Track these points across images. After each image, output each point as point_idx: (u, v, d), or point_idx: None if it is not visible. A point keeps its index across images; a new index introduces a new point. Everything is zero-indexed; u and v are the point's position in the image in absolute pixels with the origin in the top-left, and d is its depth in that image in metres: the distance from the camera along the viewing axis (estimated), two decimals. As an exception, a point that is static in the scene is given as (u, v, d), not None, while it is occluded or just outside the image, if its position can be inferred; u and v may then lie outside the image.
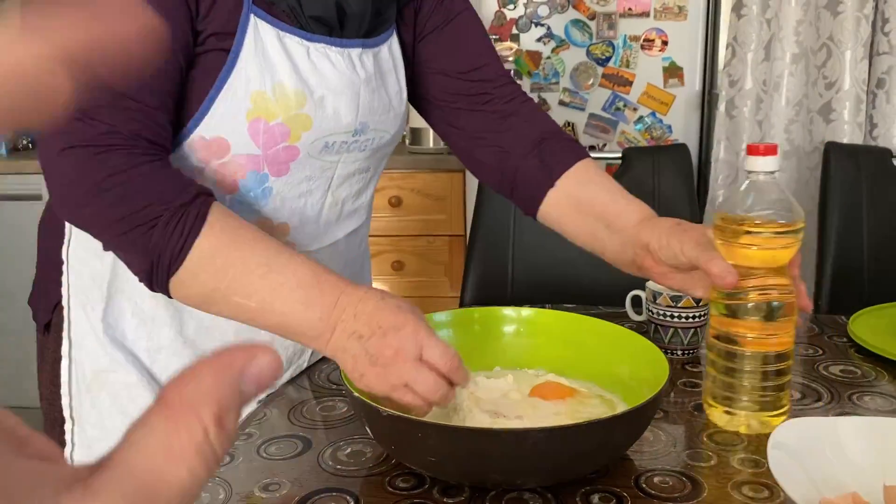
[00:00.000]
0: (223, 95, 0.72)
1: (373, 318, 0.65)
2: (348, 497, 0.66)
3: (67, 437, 0.84)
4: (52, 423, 0.86)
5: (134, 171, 0.66)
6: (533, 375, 0.83)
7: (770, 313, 0.71)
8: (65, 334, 0.83)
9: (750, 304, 0.72)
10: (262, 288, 0.67)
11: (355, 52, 0.79)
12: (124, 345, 0.82)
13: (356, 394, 0.66)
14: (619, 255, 0.83)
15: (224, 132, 0.74)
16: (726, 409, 0.75)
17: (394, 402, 0.65)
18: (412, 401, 0.64)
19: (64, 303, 0.83)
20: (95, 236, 0.69)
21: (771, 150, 0.70)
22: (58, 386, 0.84)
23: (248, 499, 0.66)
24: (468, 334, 0.85)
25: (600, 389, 0.79)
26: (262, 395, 0.89)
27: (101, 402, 0.83)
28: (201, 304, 0.71)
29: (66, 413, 0.84)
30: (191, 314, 0.83)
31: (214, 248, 0.67)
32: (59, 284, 0.83)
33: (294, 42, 0.75)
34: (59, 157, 0.67)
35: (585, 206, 0.86)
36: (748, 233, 0.70)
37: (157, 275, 0.68)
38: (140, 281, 0.69)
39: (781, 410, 0.75)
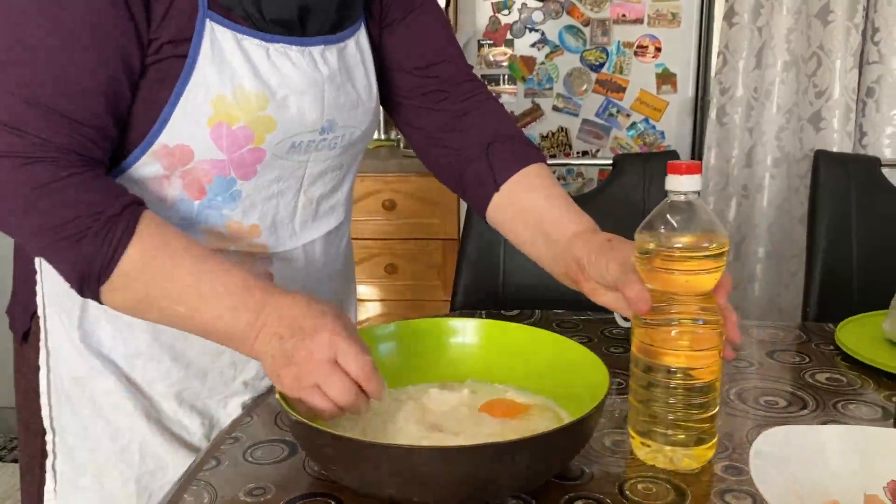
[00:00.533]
0: (183, 102, 0.72)
1: (295, 321, 0.66)
2: (332, 502, 0.66)
3: (49, 447, 0.84)
4: (34, 433, 0.85)
5: (61, 182, 0.66)
6: (500, 390, 0.81)
7: (693, 343, 0.67)
8: (42, 344, 0.82)
9: (672, 332, 0.67)
10: (190, 294, 0.68)
11: (317, 49, 0.78)
12: (101, 352, 0.82)
13: (276, 395, 0.68)
14: (553, 266, 0.82)
15: (186, 139, 0.73)
16: (644, 440, 0.70)
17: (312, 407, 0.66)
18: (321, 403, 0.65)
19: (39, 312, 0.82)
20: (24, 244, 0.70)
21: (694, 168, 0.66)
22: (38, 395, 0.83)
23: (232, 502, 0.66)
24: (426, 344, 0.84)
25: (556, 406, 0.77)
26: (248, 400, 0.89)
27: (82, 410, 0.83)
28: (132, 311, 0.71)
29: (46, 423, 0.83)
30: None
31: (143, 259, 0.67)
32: (35, 293, 0.82)
33: (253, 44, 0.74)
34: None
35: (524, 214, 0.85)
36: (668, 257, 0.66)
37: (87, 285, 0.68)
38: (71, 288, 0.69)
39: (707, 445, 0.70)
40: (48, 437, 0.84)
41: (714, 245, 0.66)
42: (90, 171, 0.68)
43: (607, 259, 0.73)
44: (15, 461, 2.31)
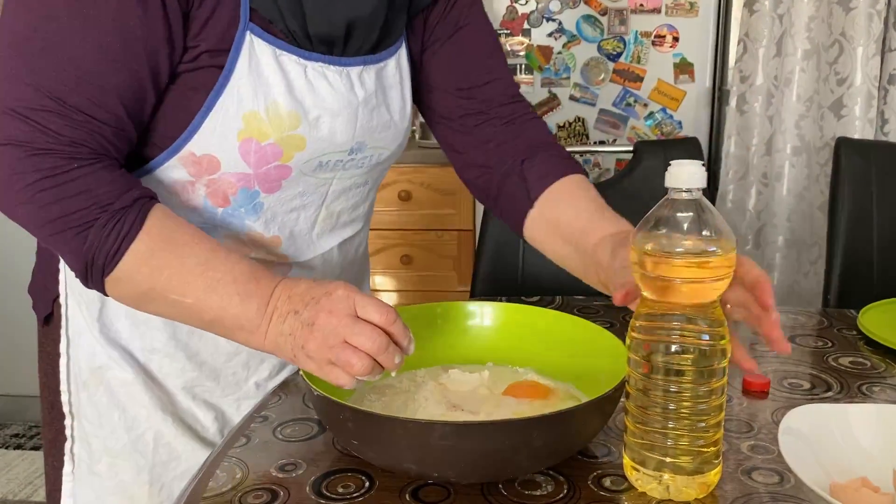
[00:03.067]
0: (214, 114, 0.71)
1: (306, 293, 0.66)
2: (363, 476, 0.67)
3: (68, 431, 0.85)
4: (58, 412, 0.86)
5: (70, 174, 0.66)
6: (520, 373, 0.81)
7: (693, 363, 0.58)
8: (62, 332, 0.83)
9: (660, 357, 0.59)
10: (198, 285, 0.67)
11: (355, 70, 0.77)
12: (119, 343, 0.82)
13: (301, 374, 0.68)
14: (586, 276, 0.80)
15: (214, 150, 0.73)
16: (635, 465, 0.62)
17: (349, 369, 0.64)
18: (354, 360, 0.63)
19: (62, 300, 0.83)
20: (30, 233, 0.69)
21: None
22: (58, 381, 0.85)
23: (264, 478, 0.67)
24: (454, 327, 0.85)
25: (578, 391, 0.77)
26: (235, 402, 0.90)
27: (99, 399, 0.83)
28: (136, 303, 0.71)
29: (65, 408, 0.84)
30: None
31: (150, 251, 0.67)
32: (58, 280, 0.83)
33: (291, 60, 0.72)
34: None
35: (553, 227, 0.83)
36: (664, 262, 0.57)
37: (91, 275, 0.68)
38: (76, 277, 0.70)
39: (712, 472, 0.62)
40: (67, 422, 0.85)
41: (721, 249, 0.57)
42: (100, 164, 0.68)
43: (618, 259, 0.70)
44: (35, 448, 2.34)
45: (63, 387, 0.84)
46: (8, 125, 0.65)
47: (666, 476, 0.61)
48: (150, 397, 0.84)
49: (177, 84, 0.71)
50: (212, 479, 0.68)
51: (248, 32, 0.70)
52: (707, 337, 0.58)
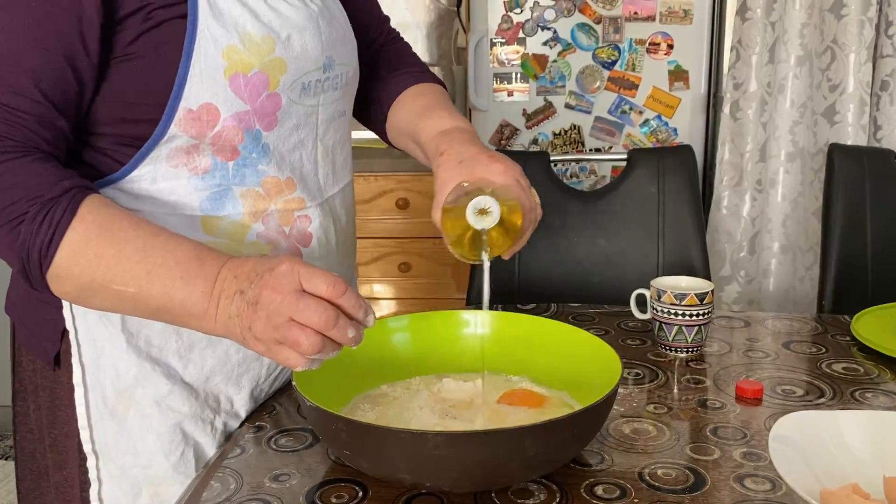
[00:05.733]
0: (195, 60, 0.70)
1: (251, 271, 0.63)
2: (356, 487, 0.67)
3: (92, 474, 0.77)
4: (72, 463, 0.79)
5: None
6: (514, 382, 0.82)
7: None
8: (75, 361, 0.76)
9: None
10: (139, 272, 0.64)
11: None
12: (150, 353, 0.77)
13: (294, 384, 0.68)
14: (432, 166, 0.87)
15: (208, 96, 0.72)
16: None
17: (299, 349, 0.62)
18: (302, 339, 0.60)
19: (69, 326, 0.76)
20: None
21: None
22: (76, 419, 0.77)
23: (258, 489, 0.67)
24: (448, 336, 0.85)
25: (572, 399, 0.78)
26: (275, 380, 0.88)
27: (130, 425, 0.77)
28: (80, 297, 0.68)
29: (87, 448, 0.77)
30: None
31: (85, 240, 0.65)
32: (61, 308, 0.77)
33: None
34: None
35: (398, 129, 0.93)
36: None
37: (30, 272, 0.66)
38: (20, 277, 0.67)
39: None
40: (90, 464, 0.77)
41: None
42: (28, 157, 0.65)
43: (452, 175, 0.79)
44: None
45: (82, 422, 0.77)
46: None
47: None
48: (189, 407, 0.78)
49: (141, 48, 0.70)
50: (206, 490, 0.68)
51: None
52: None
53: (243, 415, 0.83)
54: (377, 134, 1.00)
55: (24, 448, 0.86)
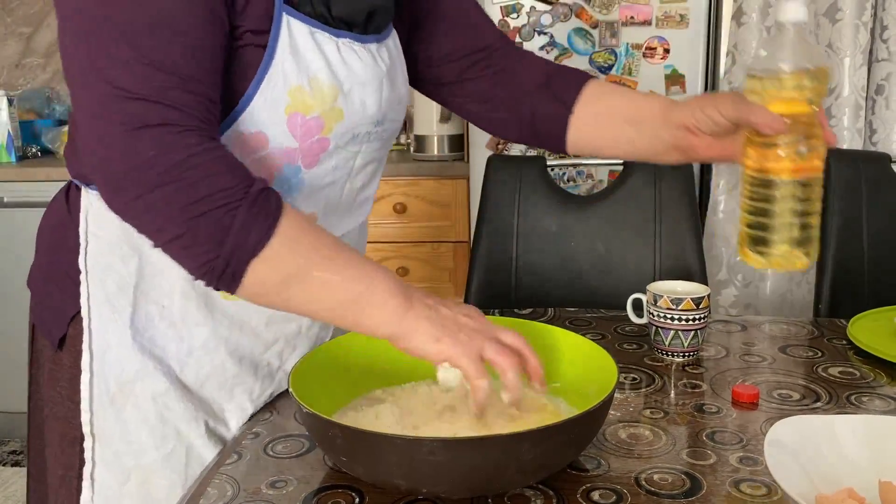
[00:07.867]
0: (262, 91, 0.73)
1: (446, 304, 0.70)
2: (353, 493, 0.67)
3: (87, 454, 0.80)
4: (71, 441, 0.82)
5: (209, 153, 0.66)
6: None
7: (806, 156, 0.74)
8: (85, 346, 0.79)
9: (783, 153, 0.73)
10: (345, 261, 0.69)
11: (373, 46, 0.82)
12: (153, 352, 0.80)
13: (290, 390, 0.69)
14: (654, 146, 0.86)
15: (264, 127, 0.74)
16: (760, 248, 0.75)
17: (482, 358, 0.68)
18: (502, 359, 0.68)
19: (83, 314, 0.79)
20: (151, 225, 0.66)
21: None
22: (76, 402, 0.80)
23: (255, 495, 0.67)
24: None
25: (567, 405, 0.78)
26: (268, 397, 0.90)
27: (127, 416, 0.80)
28: (277, 287, 0.68)
29: (86, 429, 0.80)
30: (223, 311, 0.82)
31: (298, 227, 0.68)
32: (75, 296, 0.80)
33: (325, 38, 0.76)
34: (132, 137, 0.64)
35: (607, 117, 0.89)
36: (780, 85, 0.72)
37: (236, 257, 0.65)
38: (194, 276, 0.67)
39: (810, 248, 0.76)
40: (87, 444, 0.80)
41: (820, 65, 0.71)
42: (214, 140, 0.68)
43: (716, 105, 0.77)
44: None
45: (84, 405, 0.80)
46: (138, 109, 0.64)
47: (784, 248, 0.74)
48: (183, 407, 0.81)
49: (226, 64, 0.72)
50: (203, 497, 0.68)
51: (283, 13, 0.74)
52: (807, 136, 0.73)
53: (232, 424, 0.85)
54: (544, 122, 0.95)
55: (34, 420, 0.88)
